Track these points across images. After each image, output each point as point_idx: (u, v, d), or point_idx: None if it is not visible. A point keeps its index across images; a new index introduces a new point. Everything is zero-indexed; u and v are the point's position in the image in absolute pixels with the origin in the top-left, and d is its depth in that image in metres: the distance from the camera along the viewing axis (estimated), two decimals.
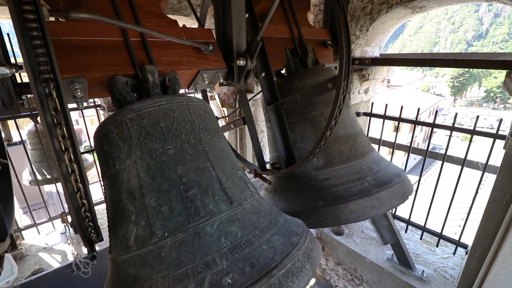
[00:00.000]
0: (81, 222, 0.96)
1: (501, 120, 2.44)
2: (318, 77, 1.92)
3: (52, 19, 1.06)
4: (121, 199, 1.04)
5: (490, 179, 2.27)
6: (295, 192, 1.82)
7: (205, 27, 1.51)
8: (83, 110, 3.38)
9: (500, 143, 2.08)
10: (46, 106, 0.74)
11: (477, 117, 2.44)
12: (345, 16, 1.35)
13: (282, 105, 1.81)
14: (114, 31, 1.15)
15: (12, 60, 1.08)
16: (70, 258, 3.08)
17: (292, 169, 1.75)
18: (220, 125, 2.54)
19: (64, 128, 0.78)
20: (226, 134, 4.37)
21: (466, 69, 54.22)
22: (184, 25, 1.41)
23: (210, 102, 4.04)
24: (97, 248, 1.03)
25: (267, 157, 2.22)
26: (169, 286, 0.86)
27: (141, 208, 0.97)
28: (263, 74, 1.79)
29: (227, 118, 4.30)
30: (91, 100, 3.49)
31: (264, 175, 2.09)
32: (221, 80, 1.55)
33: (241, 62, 1.46)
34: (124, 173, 1.02)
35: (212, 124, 1.23)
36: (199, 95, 3.09)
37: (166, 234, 0.92)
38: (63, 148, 0.80)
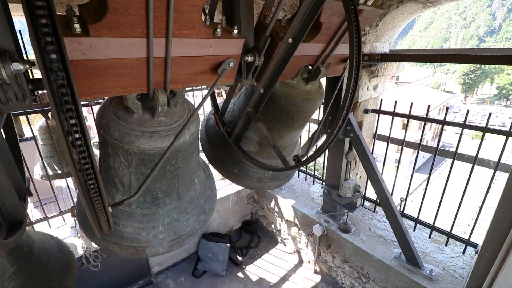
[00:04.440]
0: (93, 214, 0.98)
1: None
2: (301, 109, 2.06)
3: (61, 14, 1.04)
4: (114, 178, 1.48)
5: (501, 178, 2.22)
6: (227, 153, 2.29)
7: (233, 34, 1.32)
8: (92, 106, 3.42)
9: None
10: (70, 142, 0.75)
11: (490, 114, 2.39)
12: (355, 11, 1.32)
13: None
14: (139, 49, 1.06)
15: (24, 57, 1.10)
16: (80, 252, 3.15)
17: (235, 146, 2.13)
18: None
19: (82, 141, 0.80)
20: None
21: (478, 66, 53.09)
22: (214, 31, 1.26)
23: (217, 98, 4.04)
24: None
25: None
26: (133, 230, 1.52)
27: (126, 193, 1.50)
28: (262, 91, 1.79)
29: None
30: None
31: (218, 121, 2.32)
32: None
33: (249, 58, 1.46)
34: (120, 171, 1.45)
35: (193, 149, 1.61)
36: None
37: (138, 209, 1.54)
38: (78, 157, 0.83)
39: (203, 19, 1.18)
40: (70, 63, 0.72)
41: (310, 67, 2.01)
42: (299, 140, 2.58)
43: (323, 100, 2.34)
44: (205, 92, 4.49)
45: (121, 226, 1.53)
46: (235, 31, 1.32)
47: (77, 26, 0.90)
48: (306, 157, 1.68)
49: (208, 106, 4.56)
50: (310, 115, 2.23)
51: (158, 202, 1.56)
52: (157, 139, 1.36)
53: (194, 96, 4.67)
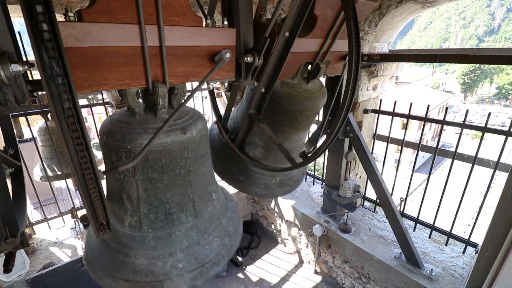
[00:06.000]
0: (93, 215, 0.98)
1: None
2: (304, 108, 2.04)
3: (61, 18, 1.04)
4: (121, 195, 1.35)
5: (501, 177, 2.23)
6: (232, 161, 2.26)
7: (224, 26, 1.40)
8: (92, 107, 3.43)
9: None
10: (66, 128, 0.76)
11: (489, 114, 2.39)
12: (354, 11, 1.33)
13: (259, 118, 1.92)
14: (132, 35, 1.09)
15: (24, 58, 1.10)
16: (80, 253, 3.14)
17: (239, 152, 2.10)
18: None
19: (82, 140, 0.81)
20: None
21: (477, 66, 53.13)
22: (206, 23, 1.33)
23: (217, 99, 4.04)
24: None
25: None
26: (147, 260, 1.34)
27: (135, 210, 1.35)
28: (262, 90, 1.77)
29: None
30: (99, 96, 3.53)
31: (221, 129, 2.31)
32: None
33: (248, 58, 1.46)
34: (126, 183, 1.32)
35: (203, 151, 1.48)
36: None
37: (150, 230, 1.37)
38: (79, 158, 0.83)
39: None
40: (65, 50, 0.74)
41: (310, 67, 2.01)
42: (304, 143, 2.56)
43: (326, 100, 2.31)
44: (205, 92, 4.50)
45: (132, 258, 1.35)
46: (226, 22, 1.38)
47: (71, 14, 0.94)
48: (311, 153, 1.64)
49: (208, 107, 4.56)
50: (314, 114, 2.21)
51: (173, 219, 1.39)
52: (161, 134, 1.23)
53: (194, 97, 4.67)
